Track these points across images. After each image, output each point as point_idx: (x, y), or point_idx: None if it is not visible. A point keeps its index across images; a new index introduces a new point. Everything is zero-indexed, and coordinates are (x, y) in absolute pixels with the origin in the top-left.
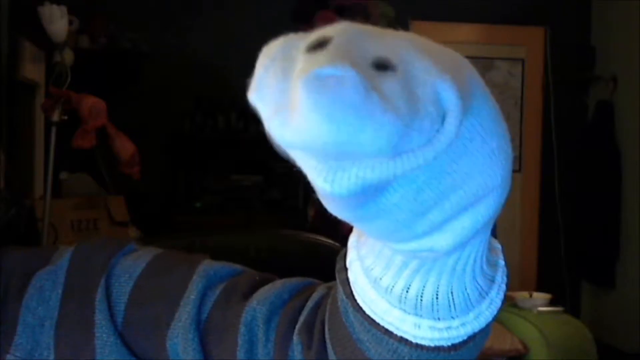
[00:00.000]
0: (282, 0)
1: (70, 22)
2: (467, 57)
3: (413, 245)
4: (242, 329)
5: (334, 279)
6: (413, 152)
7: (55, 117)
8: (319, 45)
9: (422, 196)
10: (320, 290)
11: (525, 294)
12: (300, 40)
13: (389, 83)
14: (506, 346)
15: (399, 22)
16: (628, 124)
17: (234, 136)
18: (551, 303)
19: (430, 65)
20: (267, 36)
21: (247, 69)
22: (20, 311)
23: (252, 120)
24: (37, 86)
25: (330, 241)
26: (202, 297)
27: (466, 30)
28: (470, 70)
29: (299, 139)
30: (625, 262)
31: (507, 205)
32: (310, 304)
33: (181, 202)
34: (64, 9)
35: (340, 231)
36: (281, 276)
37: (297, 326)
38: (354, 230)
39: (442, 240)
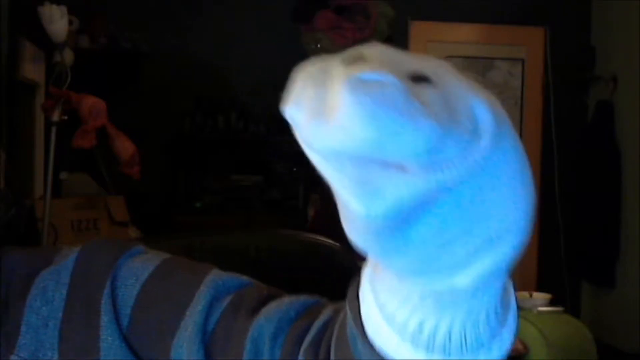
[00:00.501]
0: (282, 0)
1: (70, 22)
2: (467, 57)
3: (433, 282)
4: (248, 344)
5: (333, 279)
6: (448, 164)
7: (55, 117)
8: (356, 60)
9: (448, 229)
10: (327, 311)
11: (525, 294)
12: (336, 58)
13: (427, 93)
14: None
15: (398, 22)
16: (628, 124)
17: (234, 136)
18: (551, 303)
19: (465, 84)
20: (267, 36)
21: (247, 69)
22: (24, 311)
23: (252, 120)
24: (37, 86)
25: (330, 241)
26: (209, 308)
27: (466, 30)
28: (497, 102)
29: (338, 139)
30: (625, 262)
31: None
32: (317, 325)
33: (181, 202)
34: (64, 9)
35: (341, 231)
36: (281, 276)
37: (303, 346)
38: (369, 261)
39: (463, 279)
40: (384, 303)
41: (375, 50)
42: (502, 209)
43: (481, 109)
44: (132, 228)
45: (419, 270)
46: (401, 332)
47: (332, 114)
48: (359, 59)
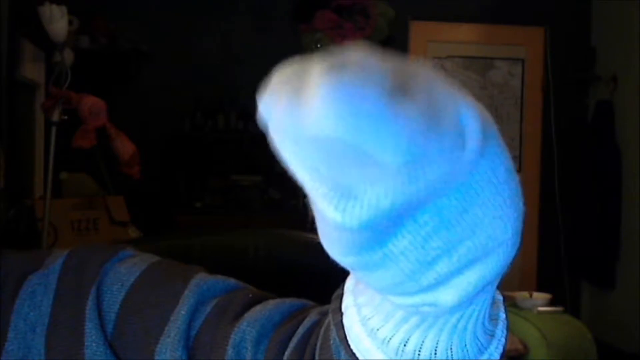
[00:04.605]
0: (282, 0)
1: (70, 22)
2: (467, 57)
3: (416, 299)
4: (229, 350)
5: (332, 279)
6: (431, 168)
7: (55, 117)
8: (337, 64)
9: (430, 244)
10: (312, 316)
11: (525, 294)
12: (315, 61)
13: (411, 98)
14: (506, 349)
15: (398, 22)
16: (628, 124)
17: (234, 136)
18: (551, 303)
19: (450, 89)
20: (267, 36)
21: (247, 69)
22: (12, 316)
23: (252, 120)
24: (37, 86)
25: None
26: (193, 312)
27: (466, 30)
28: (485, 111)
29: (314, 128)
30: (625, 262)
31: None
32: (301, 330)
33: (181, 202)
34: (64, 9)
35: None
36: (281, 276)
37: (287, 352)
38: (351, 274)
39: (447, 295)
40: (366, 317)
41: (358, 52)
42: (489, 223)
43: (467, 115)
44: (132, 228)
45: (400, 287)
46: (384, 347)
47: (309, 99)
48: (341, 63)
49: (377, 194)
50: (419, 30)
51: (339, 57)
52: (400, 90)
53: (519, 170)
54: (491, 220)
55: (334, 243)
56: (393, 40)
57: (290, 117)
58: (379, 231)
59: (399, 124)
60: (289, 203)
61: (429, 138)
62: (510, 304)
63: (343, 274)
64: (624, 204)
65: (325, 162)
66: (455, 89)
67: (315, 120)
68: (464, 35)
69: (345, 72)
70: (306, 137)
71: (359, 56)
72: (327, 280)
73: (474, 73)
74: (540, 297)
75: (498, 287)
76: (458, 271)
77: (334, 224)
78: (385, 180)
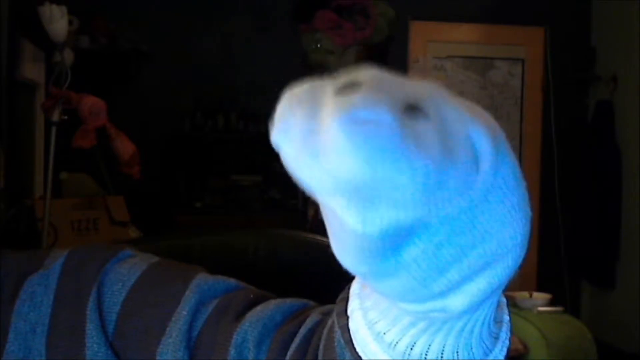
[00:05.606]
0: (282, 0)
1: (70, 22)
2: (467, 57)
3: (426, 306)
4: (231, 351)
5: (332, 279)
6: (446, 200)
7: (55, 117)
8: (349, 87)
9: (442, 252)
10: (314, 316)
11: (525, 294)
12: (327, 84)
13: (423, 128)
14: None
15: (398, 22)
16: (628, 124)
17: (234, 136)
18: (551, 303)
19: (460, 110)
20: (267, 36)
21: (247, 69)
22: (12, 317)
23: (252, 120)
24: (37, 86)
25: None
26: (195, 312)
27: (466, 30)
28: (494, 121)
29: (332, 181)
30: (625, 262)
31: None
32: (303, 330)
33: (181, 202)
34: (64, 9)
35: None
36: (281, 276)
37: (289, 353)
38: (357, 278)
39: (457, 301)
40: (372, 321)
41: (369, 76)
42: (498, 230)
43: (479, 136)
44: (132, 228)
45: (411, 294)
46: (391, 352)
47: (323, 153)
48: (352, 86)
49: (395, 209)
50: (419, 30)
51: (348, 80)
52: (411, 123)
53: None
54: (501, 227)
55: (350, 253)
56: (393, 40)
57: (306, 165)
58: (394, 240)
59: (413, 171)
60: (289, 203)
61: (443, 170)
62: (510, 304)
63: (343, 274)
64: (624, 204)
65: (342, 191)
66: (464, 108)
67: (332, 172)
68: (464, 35)
69: (360, 121)
70: (324, 184)
71: (369, 82)
72: (327, 280)
73: (474, 73)
74: (540, 297)
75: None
76: (468, 277)
77: (354, 234)
78: (404, 203)
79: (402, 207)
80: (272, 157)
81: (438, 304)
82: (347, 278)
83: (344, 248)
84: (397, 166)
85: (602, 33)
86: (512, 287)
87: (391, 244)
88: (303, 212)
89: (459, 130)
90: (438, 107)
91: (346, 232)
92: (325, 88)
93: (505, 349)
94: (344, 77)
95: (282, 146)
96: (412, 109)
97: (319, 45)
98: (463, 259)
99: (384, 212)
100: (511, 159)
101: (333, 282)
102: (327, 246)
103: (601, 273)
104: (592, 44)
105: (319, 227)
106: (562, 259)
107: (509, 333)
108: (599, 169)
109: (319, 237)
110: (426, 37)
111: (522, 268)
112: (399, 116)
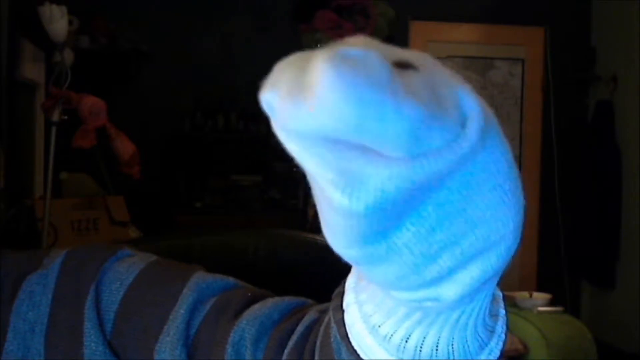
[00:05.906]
0: (282, 0)
1: (70, 22)
2: (467, 57)
3: (419, 294)
4: (229, 349)
5: (332, 279)
6: (434, 153)
7: (55, 117)
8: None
9: (434, 237)
10: (311, 314)
11: (525, 294)
12: (319, 49)
13: (413, 78)
14: (506, 346)
15: (398, 22)
16: (628, 124)
17: (234, 136)
18: (551, 303)
19: (450, 74)
20: (267, 36)
21: (247, 69)
22: (11, 317)
23: (252, 120)
24: (37, 86)
25: None
26: (192, 311)
27: (466, 30)
28: (486, 105)
29: (317, 118)
30: (625, 262)
31: None
32: (300, 328)
33: (181, 202)
34: (64, 9)
35: None
36: (281, 276)
37: (286, 351)
38: (353, 271)
39: (450, 290)
40: (368, 314)
41: (360, 39)
42: (491, 216)
43: (468, 98)
44: (132, 228)
45: (404, 281)
46: (386, 345)
47: (310, 91)
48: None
49: (382, 179)
50: (419, 30)
51: (339, 46)
52: (401, 73)
53: (519, 170)
54: (493, 213)
55: (339, 233)
56: (393, 40)
57: (292, 108)
58: (384, 220)
59: (401, 110)
60: (289, 203)
61: (431, 123)
62: (510, 304)
63: (343, 274)
64: (624, 204)
65: (330, 150)
66: (453, 74)
67: (318, 111)
68: (464, 35)
69: (347, 58)
70: (310, 127)
71: (360, 44)
72: (327, 280)
73: (474, 73)
74: (540, 297)
75: (498, 287)
76: (461, 265)
77: (341, 209)
78: (390, 166)
79: (389, 170)
80: (272, 157)
81: (431, 292)
82: (346, 278)
83: (334, 230)
84: (384, 105)
85: (602, 33)
86: (512, 287)
87: (380, 224)
88: (303, 212)
89: (448, 88)
90: (428, 65)
91: (334, 210)
92: (314, 54)
93: (501, 343)
94: (332, 45)
95: (270, 101)
96: (402, 64)
97: (319, 46)
98: (455, 245)
99: (369, 185)
100: (503, 144)
101: (333, 282)
102: (327, 246)
103: (601, 273)
104: (592, 44)
105: (319, 227)
106: (562, 259)
107: (505, 327)
108: (599, 169)
109: (319, 237)
110: (426, 37)
111: (522, 268)
112: (388, 62)
